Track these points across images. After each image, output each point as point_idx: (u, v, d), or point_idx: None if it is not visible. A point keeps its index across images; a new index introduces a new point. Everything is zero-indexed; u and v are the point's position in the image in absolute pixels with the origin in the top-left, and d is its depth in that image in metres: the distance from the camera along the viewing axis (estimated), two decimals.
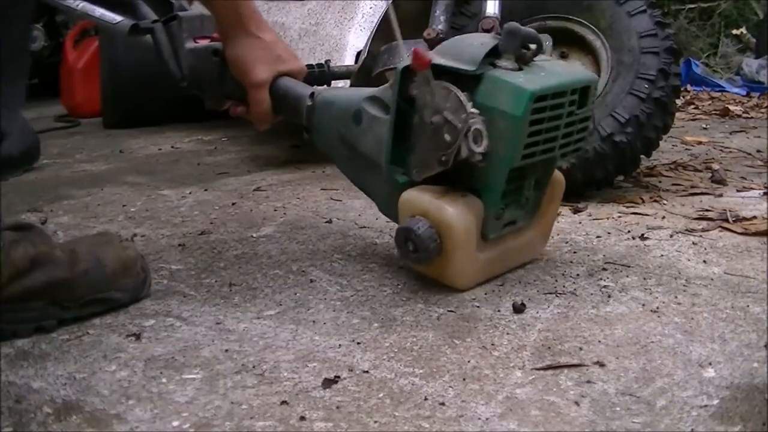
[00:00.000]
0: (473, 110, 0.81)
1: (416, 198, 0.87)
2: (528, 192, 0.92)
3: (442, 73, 0.84)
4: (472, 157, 0.81)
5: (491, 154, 0.82)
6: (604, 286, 0.91)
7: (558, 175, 0.96)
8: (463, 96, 0.81)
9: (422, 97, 0.84)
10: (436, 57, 0.84)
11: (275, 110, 1.01)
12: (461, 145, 0.81)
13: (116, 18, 1.16)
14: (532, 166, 0.88)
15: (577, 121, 0.88)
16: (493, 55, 0.84)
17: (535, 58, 0.86)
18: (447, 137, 0.82)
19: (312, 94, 0.99)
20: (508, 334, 0.78)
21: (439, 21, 1.38)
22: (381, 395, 0.65)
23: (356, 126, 0.93)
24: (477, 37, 0.90)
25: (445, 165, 0.84)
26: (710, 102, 3.08)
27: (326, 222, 1.22)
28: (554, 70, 0.87)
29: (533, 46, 0.85)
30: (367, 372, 0.70)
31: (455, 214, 0.84)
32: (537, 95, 0.80)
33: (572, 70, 0.94)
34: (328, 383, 0.67)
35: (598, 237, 1.11)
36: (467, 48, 0.85)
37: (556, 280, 0.93)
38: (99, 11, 1.19)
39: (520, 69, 0.84)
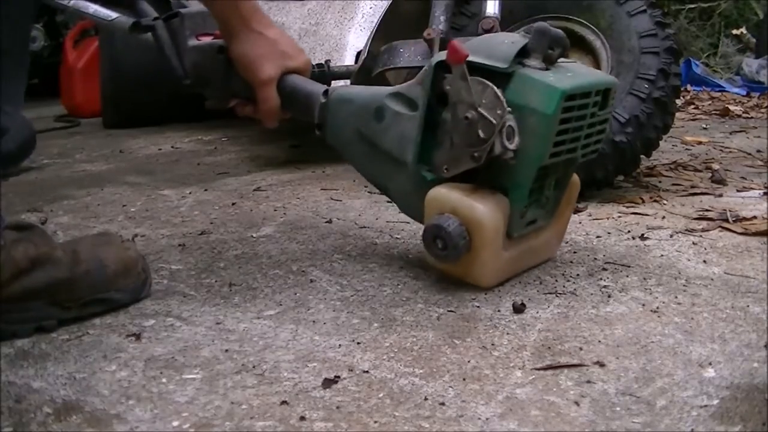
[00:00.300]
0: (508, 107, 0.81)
1: (445, 195, 0.87)
2: (548, 192, 0.92)
3: (470, 70, 0.84)
4: (505, 154, 0.82)
5: (520, 152, 0.82)
6: (604, 286, 0.91)
7: (574, 177, 0.97)
8: (499, 92, 0.81)
9: (456, 93, 0.84)
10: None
11: (283, 107, 1.00)
12: (495, 142, 0.82)
13: (111, 15, 1.14)
14: (555, 165, 0.88)
15: (598, 123, 0.89)
16: (520, 54, 0.84)
17: (558, 60, 0.87)
18: (481, 133, 0.82)
19: (326, 92, 0.99)
20: (508, 334, 0.78)
21: (439, 21, 1.38)
22: (381, 395, 0.65)
23: (377, 123, 0.93)
24: (507, 36, 0.90)
25: (477, 161, 0.84)
26: (710, 102, 3.09)
27: (326, 222, 1.22)
28: (579, 71, 0.88)
29: (557, 48, 0.86)
30: (367, 372, 0.70)
31: (486, 211, 0.84)
32: (568, 94, 0.81)
33: (594, 72, 0.95)
34: (328, 383, 0.67)
35: (598, 237, 1.11)
36: (498, 46, 0.86)
37: (556, 280, 0.93)
38: (93, 7, 1.17)
39: (547, 69, 0.84)
